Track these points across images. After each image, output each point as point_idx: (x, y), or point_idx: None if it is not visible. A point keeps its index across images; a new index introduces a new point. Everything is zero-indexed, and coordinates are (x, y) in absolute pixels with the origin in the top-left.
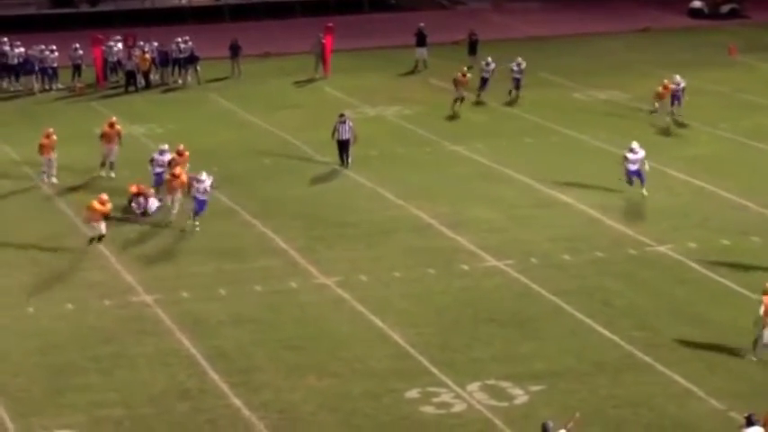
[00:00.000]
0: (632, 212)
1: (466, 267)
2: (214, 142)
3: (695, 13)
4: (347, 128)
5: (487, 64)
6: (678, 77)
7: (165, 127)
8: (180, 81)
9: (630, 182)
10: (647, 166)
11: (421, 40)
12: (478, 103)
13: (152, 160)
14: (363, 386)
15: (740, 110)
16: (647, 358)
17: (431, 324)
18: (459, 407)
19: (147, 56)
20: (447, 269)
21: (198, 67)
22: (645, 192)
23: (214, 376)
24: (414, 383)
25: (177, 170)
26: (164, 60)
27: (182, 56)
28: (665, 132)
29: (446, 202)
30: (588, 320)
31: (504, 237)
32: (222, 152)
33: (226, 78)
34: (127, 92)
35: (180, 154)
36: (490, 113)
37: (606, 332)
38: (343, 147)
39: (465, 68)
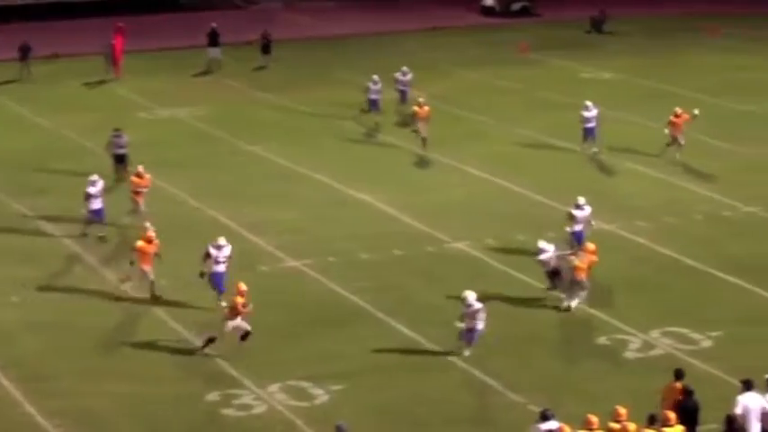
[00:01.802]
0: (430, 210)
1: (265, 268)
2: (3, 147)
3: (487, 11)
4: (123, 142)
5: (375, 83)
6: (590, 104)
7: None
8: None
9: (573, 246)
10: (593, 223)
11: (213, 41)
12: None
13: (88, 196)
14: (163, 390)
15: (535, 107)
16: (447, 357)
17: None
18: (259, 408)
19: None
20: (246, 271)
21: None
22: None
23: (7, 384)
24: (214, 386)
25: (151, 234)
26: None
27: None
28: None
29: (244, 202)
30: (388, 319)
31: (302, 237)
32: (13, 158)
33: (15, 81)
34: None
35: (140, 176)
36: (286, 113)
37: (406, 330)
38: (119, 161)
39: (420, 99)
